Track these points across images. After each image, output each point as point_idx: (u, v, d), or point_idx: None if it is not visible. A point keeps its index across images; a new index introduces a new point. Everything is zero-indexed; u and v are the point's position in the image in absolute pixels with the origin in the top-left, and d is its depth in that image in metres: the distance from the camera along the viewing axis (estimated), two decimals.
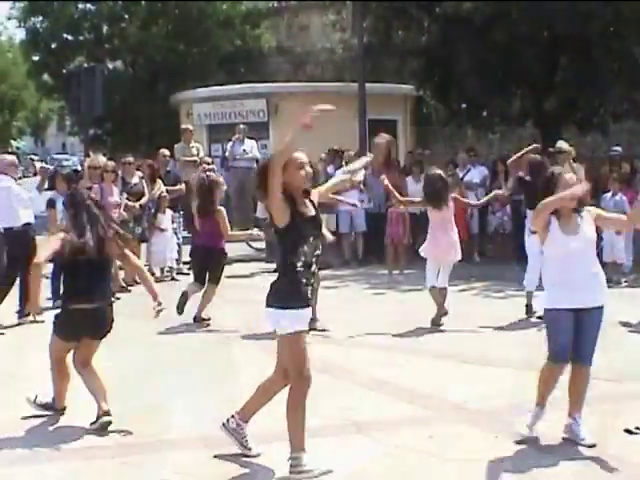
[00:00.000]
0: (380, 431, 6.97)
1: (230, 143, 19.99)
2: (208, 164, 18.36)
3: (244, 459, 6.41)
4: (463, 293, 14.31)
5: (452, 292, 13.74)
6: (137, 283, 13.90)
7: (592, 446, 6.47)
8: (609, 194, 15.30)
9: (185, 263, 17.42)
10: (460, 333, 11.01)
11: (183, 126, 20.91)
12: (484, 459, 6.22)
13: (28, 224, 12.22)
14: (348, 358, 9.39)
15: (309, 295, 6.20)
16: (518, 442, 6.52)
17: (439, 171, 11.99)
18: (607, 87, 19.41)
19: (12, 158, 12.67)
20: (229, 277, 16.67)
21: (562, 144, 15.32)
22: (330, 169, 18.22)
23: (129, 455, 6.50)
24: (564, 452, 6.30)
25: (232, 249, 19.58)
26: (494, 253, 19.07)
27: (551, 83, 20.26)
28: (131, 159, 15.82)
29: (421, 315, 11.63)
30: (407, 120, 27.37)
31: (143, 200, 14.82)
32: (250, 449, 6.48)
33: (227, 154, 20.18)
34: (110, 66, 32.47)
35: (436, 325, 11.37)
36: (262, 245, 20.04)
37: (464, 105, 22.55)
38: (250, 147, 19.92)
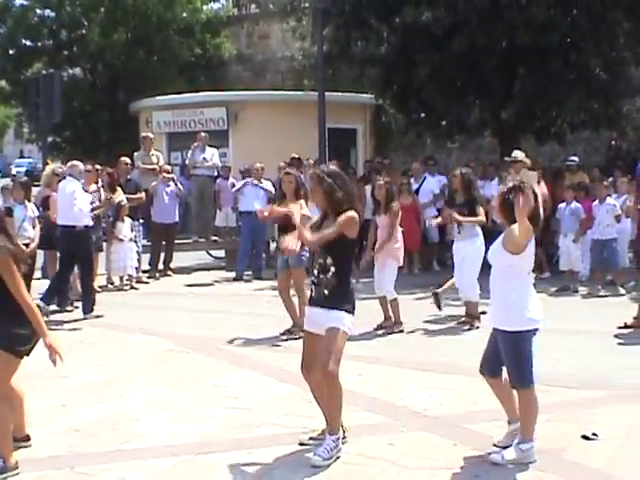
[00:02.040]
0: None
1: (191, 151, 19.94)
2: (168, 172, 18.38)
3: (213, 465, 6.41)
4: (421, 301, 14.39)
5: (410, 300, 13.89)
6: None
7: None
8: (564, 203, 15.44)
9: (144, 272, 17.43)
10: (418, 341, 11.11)
11: (143, 134, 20.88)
12: (443, 467, 6.28)
13: (88, 227, 13.20)
14: None
15: None
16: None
17: (385, 179, 12.24)
18: (564, 97, 19.61)
19: (82, 166, 13.79)
20: (190, 286, 16.76)
21: (517, 153, 15.51)
22: None
23: (89, 465, 6.48)
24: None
25: (192, 258, 19.70)
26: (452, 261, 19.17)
27: (509, 93, 20.42)
28: (89, 167, 15.77)
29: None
30: (366, 129, 27.50)
31: (99, 211, 14.61)
32: None
33: (187, 162, 20.12)
34: (69, 72, 32.24)
35: (387, 333, 11.61)
36: (222, 254, 20.08)
37: (423, 114, 22.65)
38: (211, 155, 19.85)
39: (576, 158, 18.93)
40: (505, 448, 6.46)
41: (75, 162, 13.93)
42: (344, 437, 6.71)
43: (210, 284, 17.08)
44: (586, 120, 21.36)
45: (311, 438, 6.92)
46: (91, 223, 13.35)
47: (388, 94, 23.21)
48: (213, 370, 9.62)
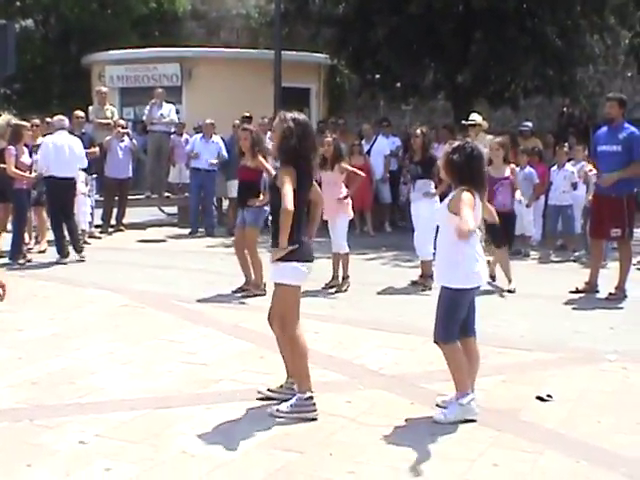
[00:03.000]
0: None
1: (148, 107, 19.78)
2: (123, 127, 18.24)
3: (171, 420, 6.43)
4: (372, 262, 14.50)
5: (362, 260, 14.03)
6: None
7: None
8: (518, 168, 15.54)
9: (97, 226, 17.33)
10: (372, 301, 11.18)
11: (97, 88, 20.71)
12: (401, 424, 6.35)
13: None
14: (264, 324, 9.48)
15: None
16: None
17: (332, 136, 12.35)
18: (519, 63, 19.73)
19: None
20: (143, 241, 16.71)
21: (475, 116, 15.56)
22: None
23: (48, 417, 6.45)
24: (479, 418, 6.44)
25: (145, 214, 19.63)
26: (405, 223, 19.29)
27: (465, 57, 20.48)
28: (37, 121, 15.58)
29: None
30: (320, 89, 27.40)
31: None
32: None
33: (145, 118, 19.97)
34: (21, 24, 31.65)
35: (335, 291, 11.77)
36: (174, 210, 20.03)
37: (378, 76, 22.65)
38: (168, 111, 19.75)
39: (529, 123, 19.08)
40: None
41: (61, 116, 14.77)
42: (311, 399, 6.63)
43: (162, 240, 17.06)
44: (540, 86, 21.55)
45: (269, 389, 6.97)
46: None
47: (343, 54, 23.23)
48: (168, 326, 9.62)
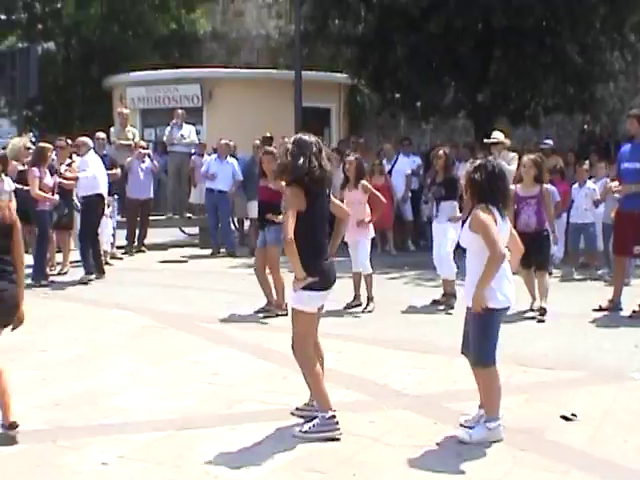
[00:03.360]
0: None
1: (168, 128, 19.88)
2: (144, 148, 18.33)
3: (195, 440, 6.42)
4: (395, 281, 14.47)
5: (384, 279, 13.96)
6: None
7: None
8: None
9: (119, 247, 17.39)
10: (395, 320, 11.14)
11: (118, 109, 20.81)
12: (425, 445, 6.31)
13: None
14: (286, 344, 9.47)
15: None
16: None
17: (355, 155, 12.34)
18: (540, 81, 19.71)
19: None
20: (164, 262, 16.74)
21: (498, 134, 15.51)
22: None
23: (71, 439, 6.46)
24: (504, 438, 6.40)
25: (166, 234, 19.68)
26: (426, 242, 19.24)
27: (485, 75, 20.49)
28: (62, 142, 15.65)
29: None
30: (340, 109, 27.48)
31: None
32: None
33: (165, 139, 20.06)
34: (43, 46, 31.88)
35: (361, 311, 11.73)
36: (195, 231, 20.07)
37: (398, 95, 22.68)
38: (188, 132, 19.86)
39: (550, 141, 19.01)
40: (472, 428, 6.51)
41: (85, 138, 14.88)
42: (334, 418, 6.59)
43: (184, 261, 17.08)
44: (560, 104, 21.49)
45: (297, 408, 6.97)
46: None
47: (363, 74, 23.25)
48: (191, 346, 9.63)
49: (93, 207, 14.26)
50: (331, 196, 6.93)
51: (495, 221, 6.40)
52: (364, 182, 11.83)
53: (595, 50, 20.52)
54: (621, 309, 11.40)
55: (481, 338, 6.47)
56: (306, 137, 6.77)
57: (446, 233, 11.74)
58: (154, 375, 8.37)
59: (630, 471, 5.87)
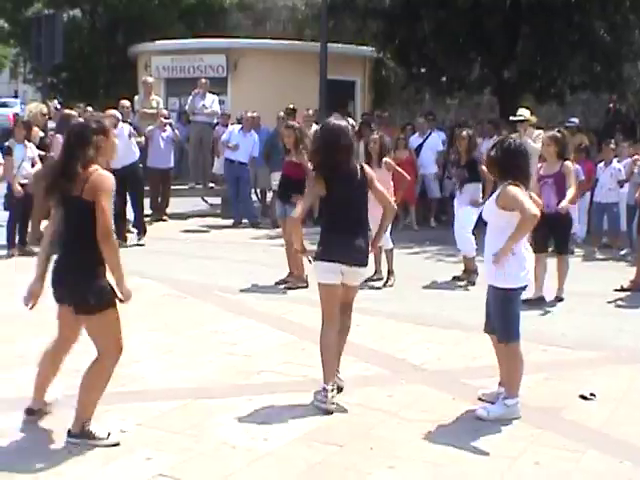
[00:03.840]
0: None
1: (191, 97, 19.82)
2: (166, 117, 18.31)
3: (212, 410, 6.44)
4: (416, 256, 14.44)
5: (405, 254, 13.92)
6: None
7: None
8: None
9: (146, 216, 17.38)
10: (415, 295, 11.11)
11: (143, 78, 20.77)
12: (442, 420, 6.31)
13: None
14: (306, 316, 9.47)
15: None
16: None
17: (379, 133, 12.23)
18: (567, 59, 19.55)
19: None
20: (186, 232, 16.76)
21: (523, 111, 15.37)
22: None
23: None
24: (524, 416, 6.39)
25: (188, 204, 19.70)
26: (449, 218, 19.20)
27: (512, 52, 20.34)
28: (90, 109, 15.65)
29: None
30: (365, 82, 27.37)
31: None
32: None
33: (187, 108, 20.01)
34: (69, 14, 31.91)
35: (383, 285, 11.67)
36: (218, 201, 20.06)
37: (424, 69, 22.58)
38: (211, 102, 19.75)
39: (576, 119, 18.88)
40: (491, 404, 6.52)
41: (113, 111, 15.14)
42: (333, 389, 6.59)
43: (206, 231, 17.09)
44: (587, 82, 21.33)
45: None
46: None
47: (389, 47, 23.12)
48: (211, 316, 9.65)
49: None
50: (374, 183, 6.97)
51: (525, 195, 6.45)
52: (388, 160, 11.70)
53: (624, 29, 20.31)
54: None
55: (504, 316, 6.51)
56: (336, 123, 6.84)
57: (468, 215, 11.68)
58: (173, 344, 8.39)
59: None
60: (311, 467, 5.42)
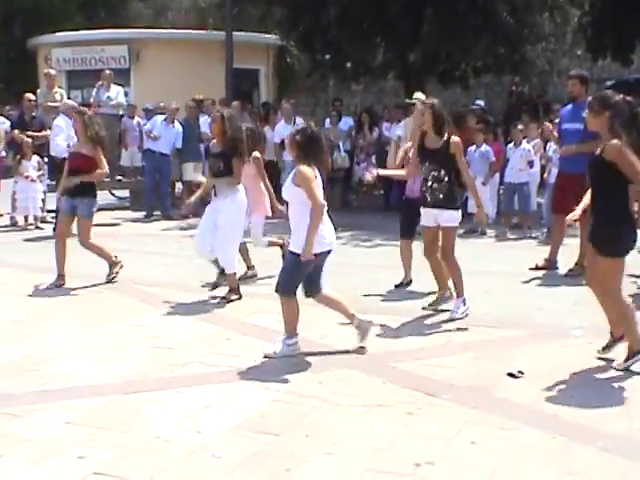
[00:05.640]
0: (268, 377, 6.95)
1: (95, 89, 19.47)
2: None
3: (141, 405, 6.31)
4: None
5: None
6: None
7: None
8: (474, 146, 15.55)
9: (49, 211, 17.04)
10: (336, 282, 11.01)
11: (45, 71, 20.27)
12: (375, 404, 6.27)
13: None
14: (226, 306, 9.43)
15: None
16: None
17: (246, 126, 11.51)
18: (471, 42, 19.67)
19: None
20: (96, 225, 16.39)
21: (419, 95, 15.43)
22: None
23: (14, 406, 6.27)
24: (453, 396, 6.41)
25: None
26: (358, 203, 19.27)
27: (416, 35, 20.41)
28: None
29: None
30: (269, 70, 27.30)
31: None
32: None
33: (92, 100, 19.64)
34: None
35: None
36: (126, 194, 19.78)
37: (328, 56, 22.54)
38: (116, 94, 19.44)
39: (481, 102, 19.09)
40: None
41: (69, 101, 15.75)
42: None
43: (116, 224, 16.81)
44: (490, 65, 21.52)
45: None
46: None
47: (294, 35, 23.02)
48: (130, 309, 9.48)
49: None
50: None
51: (315, 176, 7.28)
52: (256, 154, 10.92)
53: (526, 11, 20.54)
54: (557, 268, 11.50)
55: (293, 273, 7.48)
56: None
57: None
58: (94, 339, 8.21)
59: (578, 426, 5.89)
60: (248, 458, 5.33)
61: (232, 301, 9.74)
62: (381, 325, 8.54)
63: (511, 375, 6.96)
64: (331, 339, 8.17)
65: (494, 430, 5.78)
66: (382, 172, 10.14)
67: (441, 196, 8.97)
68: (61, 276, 10.80)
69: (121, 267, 11.04)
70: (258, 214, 11.00)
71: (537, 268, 11.50)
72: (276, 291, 7.52)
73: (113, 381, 6.92)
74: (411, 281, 10.52)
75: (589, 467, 5.22)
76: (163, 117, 17.71)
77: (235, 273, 10.01)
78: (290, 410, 6.19)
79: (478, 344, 8.01)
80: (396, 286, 10.46)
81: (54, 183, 17.27)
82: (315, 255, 7.32)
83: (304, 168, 7.27)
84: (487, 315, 9.06)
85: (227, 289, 9.92)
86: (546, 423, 5.96)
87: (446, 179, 8.98)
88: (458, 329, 8.50)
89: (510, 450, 5.48)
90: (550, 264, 11.55)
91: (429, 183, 8.97)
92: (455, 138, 9.01)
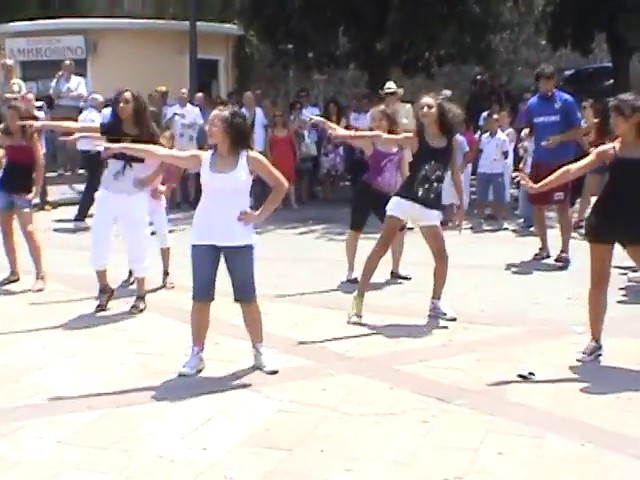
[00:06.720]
0: (266, 384, 6.56)
1: (55, 80, 18.91)
2: (30, 101, 17.34)
3: (137, 419, 5.88)
4: (305, 236, 14.06)
5: (294, 235, 13.60)
6: None
7: (453, 319, 8.30)
8: None
9: None
10: (314, 278, 10.65)
11: (2, 61, 19.65)
12: (386, 412, 5.92)
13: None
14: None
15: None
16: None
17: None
18: (438, 31, 19.38)
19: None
20: (59, 221, 15.88)
21: (390, 84, 15.16)
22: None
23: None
24: (467, 402, 6.07)
25: (56, 192, 18.76)
26: (324, 195, 18.92)
27: (381, 24, 20.05)
28: None
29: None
30: (229, 60, 26.84)
31: None
32: None
33: (51, 91, 19.08)
34: None
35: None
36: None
37: (290, 45, 22.13)
38: (76, 84, 18.90)
39: (449, 92, 18.73)
40: None
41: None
42: None
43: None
44: (454, 54, 21.29)
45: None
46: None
47: (256, 24, 22.53)
48: (107, 312, 9.00)
49: None
50: None
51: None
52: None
53: (491, 0, 20.33)
54: (549, 256, 11.48)
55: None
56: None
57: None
58: (75, 346, 7.72)
59: (604, 431, 5.58)
60: (265, 477, 4.93)
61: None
62: (377, 325, 8.22)
63: (522, 377, 6.64)
64: (326, 342, 7.78)
65: (518, 438, 5.45)
66: (316, 119, 9.78)
67: (432, 196, 8.62)
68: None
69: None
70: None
71: (536, 257, 11.65)
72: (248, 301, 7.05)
73: (102, 391, 6.46)
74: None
75: (627, 477, 4.91)
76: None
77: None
78: (297, 422, 5.80)
79: (479, 343, 7.66)
80: (343, 282, 10.21)
81: None
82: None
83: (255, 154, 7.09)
84: (483, 312, 8.75)
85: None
86: (569, 429, 5.65)
87: (444, 179, 8.69)
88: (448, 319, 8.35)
89: (540, 460, 5.16)
90: (544, 252, 11.67)
91: (431, 182, 8.54)
92: (459, 137, 8.80)
